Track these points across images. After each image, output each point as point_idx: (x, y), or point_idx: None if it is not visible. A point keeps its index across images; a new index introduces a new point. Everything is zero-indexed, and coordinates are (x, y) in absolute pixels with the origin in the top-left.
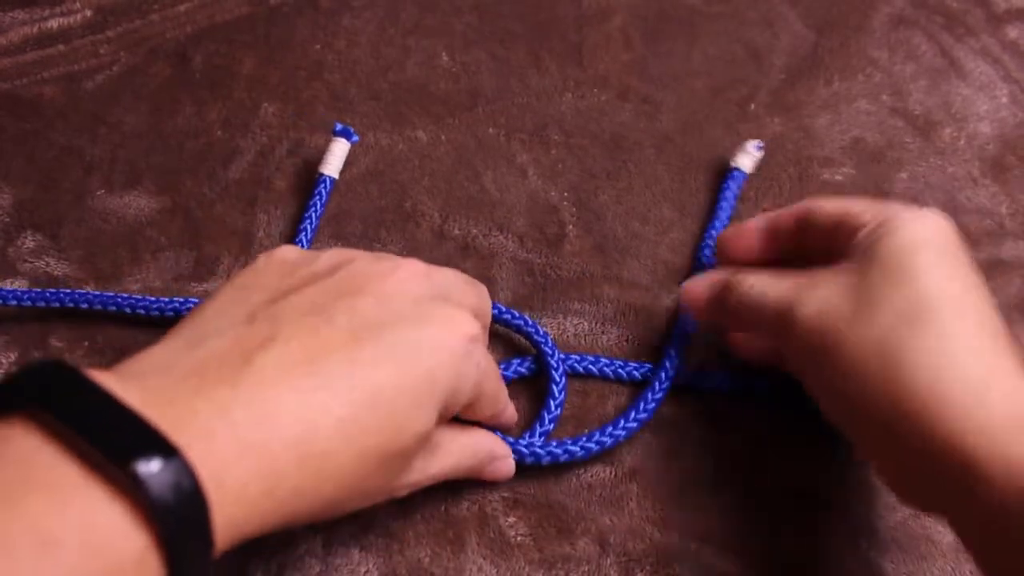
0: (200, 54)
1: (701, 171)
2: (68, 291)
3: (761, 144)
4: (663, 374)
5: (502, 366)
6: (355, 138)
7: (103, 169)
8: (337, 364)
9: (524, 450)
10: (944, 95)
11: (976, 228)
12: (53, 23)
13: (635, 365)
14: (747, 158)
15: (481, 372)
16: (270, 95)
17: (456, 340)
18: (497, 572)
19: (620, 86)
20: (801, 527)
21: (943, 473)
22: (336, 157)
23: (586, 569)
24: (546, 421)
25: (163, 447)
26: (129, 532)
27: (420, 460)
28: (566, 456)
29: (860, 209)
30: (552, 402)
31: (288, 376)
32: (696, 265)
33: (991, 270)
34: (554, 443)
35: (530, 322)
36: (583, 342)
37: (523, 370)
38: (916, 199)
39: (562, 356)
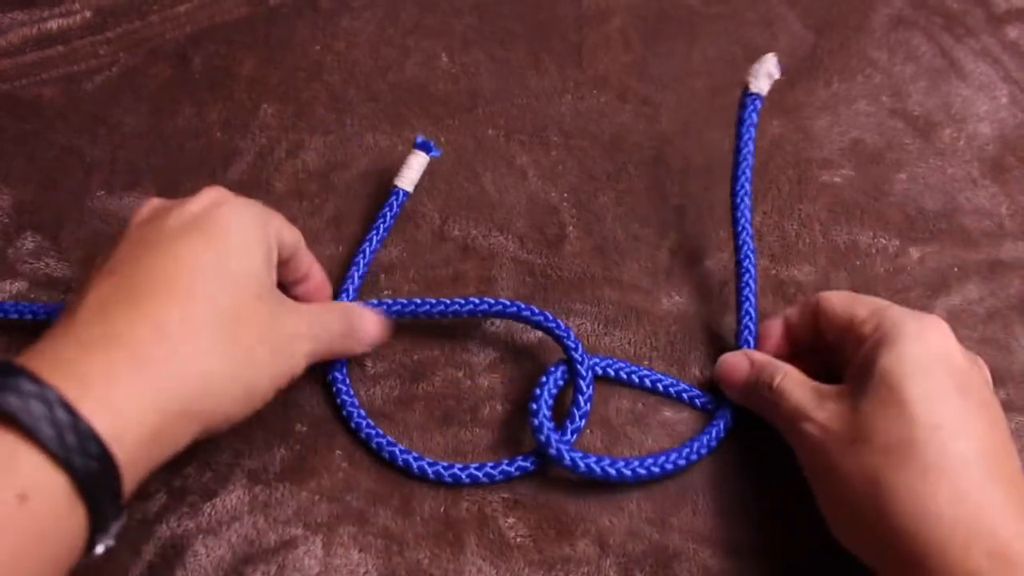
0: (200, 55)
1: (701, 173)
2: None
3: (778, 60)
4: (715, 431)
5: (543, 379)
6: (435, 152)
7: (103, 170)
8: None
9: (580, 463)
10: (944, 96)
11: (975, 229)
12: (53, 24)
13: (660, 377)
14: (764, 80)
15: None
16: (270, 96)
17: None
18: (497, 573)
19: (620, 87)
20: (801, 528)
21: None
22: (413, 171)
23: (586, 570)
24: (576, 418)
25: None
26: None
27: (289, 321)
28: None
29: (863, 317)
30: (581, 398)
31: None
32: (740, 322)
33: (990, 271)
34: (607, 460)
35: (550, 317)
36: (586, 343)
37: (560, 380)
38: (915, 200)
39: (588, 356)
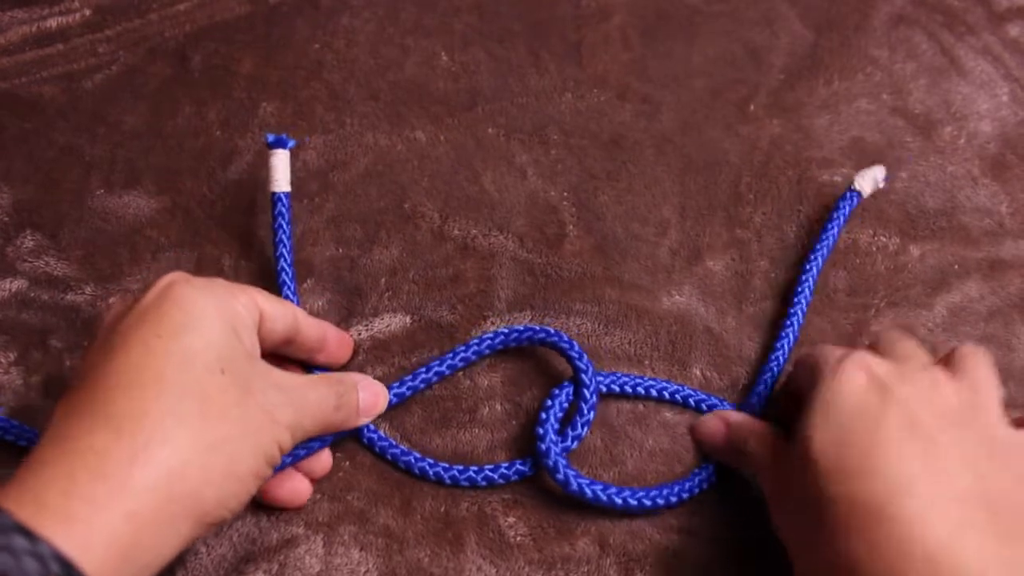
0: (199, 53)
1: (701, 172)
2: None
3: (887, 176)
4: (705, 473)
5: (548, 402)
6: (291, 143)
7: (103, 169)
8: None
9: (601, 495)
10: (944, 94)
11: (976, 227)
12: (52, 22)
13: (666, 385)
14: (869, 183)
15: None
16: (269, 95)
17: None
18: (497, 572)
19: (619, 86)
20: None
21: None
22: (280, 171)
23: (586, 569)
24: (578, 426)
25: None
26: None
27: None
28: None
29: (797, 372)
30: (584, 405)
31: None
32: (759, 384)
33: (991, 269)
34: (614, 489)
35: (552, 332)
36: (586, 343)
37: (566, 401)
38: (916, 198)
39: (595, 372)
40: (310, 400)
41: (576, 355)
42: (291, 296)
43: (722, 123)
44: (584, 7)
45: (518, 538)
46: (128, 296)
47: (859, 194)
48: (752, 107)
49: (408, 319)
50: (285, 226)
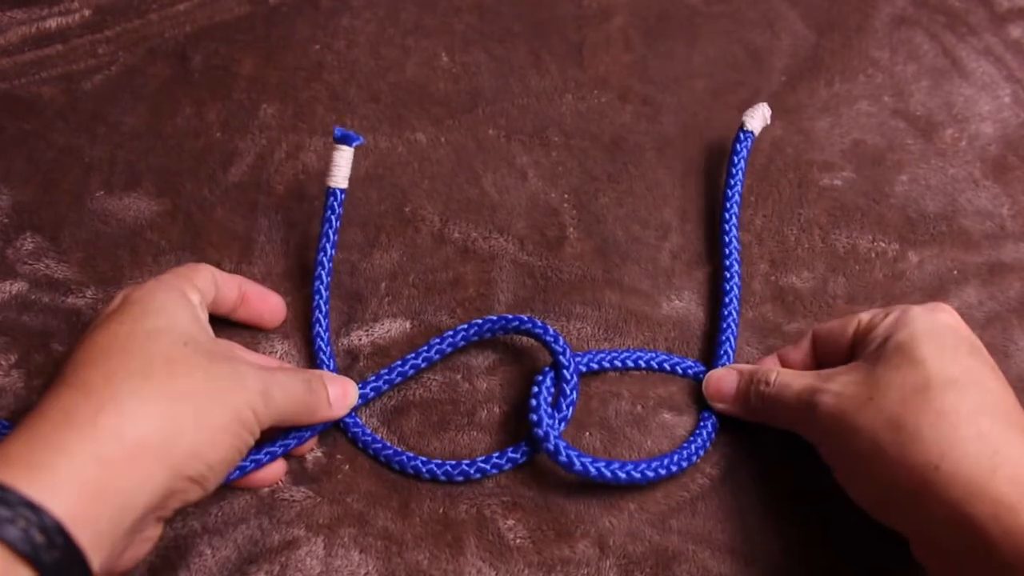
0: (199, 54)
1: (702, 174)
2: None
3: (772, 112)
4: (705, 433)
5: (539, 377)
6: (358, 140)
7: (102, 170)
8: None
9: (576, 461)
10: (946, 95)
11: (977, 230)
12: (51, 23)
13: (643, 353)
14: (759, 121)
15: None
16: (269, 96)
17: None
18: (496, 574)
19: (620, 87)
20: (801, 529)
21: (958, 541)
22: (342, 167)
23: (586, 571)
24: (563, 407)
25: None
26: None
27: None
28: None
29: (868, 317)
30: (566, 387)
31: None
32: (718, 346)
33: (990, 274)
34: (603, 462)
35: (525, 318)
36: (587, 346)
37: (550, 386)
38: (916, 201)
39: (573, 353)
40: (278, 376)
41: (551, 338)
42: (323, 291)
43: (723, 125)
44: (585, 8)
45: (517, 540)
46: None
47: (752, 134)
48: None
49: (408, 324)
50: (334, 221)
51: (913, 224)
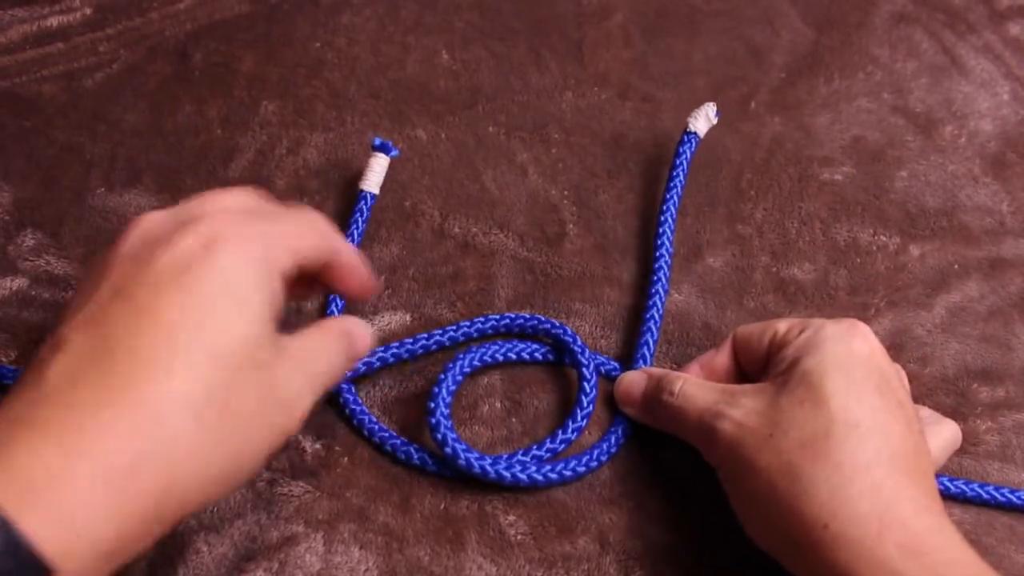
0: (200, 52)
1: (702, 169)
2: None
3: (718, 111)
4: (613, 438)
5: (441, 376)
6: (394, 152)
7: (103, 167)
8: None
9: (475, 465)
10: (945, 92)
11: (977, 227)
12: (53, 21)
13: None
14: (704, 122)
15: (283, 245)
16: (270, 93)
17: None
18: (497, 570)
19: (620, 84)
20: None
21: None
22: (376, 173)
23: (586, 567)
24: (579, 418)
25: None
26: None
27: (285, 374)
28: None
29: (785, 328)
30: (584, 398)
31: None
32: (638, 347)
33: (991, 268)
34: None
35: (557, 324)
36: (586, 343)
37: (539, 356)
38: (916, 197)
39: (592, 354)
40: (328, 362)
41: (570, 339)
42: (339, 302)
43: (723, 121)
44: (585, 5)
45: (518, 536)
46: (159, 219)
47: (696, 135)
48: (753, 105)
49: (408, 317)
50: (361, 224)
51: (913, 219)
